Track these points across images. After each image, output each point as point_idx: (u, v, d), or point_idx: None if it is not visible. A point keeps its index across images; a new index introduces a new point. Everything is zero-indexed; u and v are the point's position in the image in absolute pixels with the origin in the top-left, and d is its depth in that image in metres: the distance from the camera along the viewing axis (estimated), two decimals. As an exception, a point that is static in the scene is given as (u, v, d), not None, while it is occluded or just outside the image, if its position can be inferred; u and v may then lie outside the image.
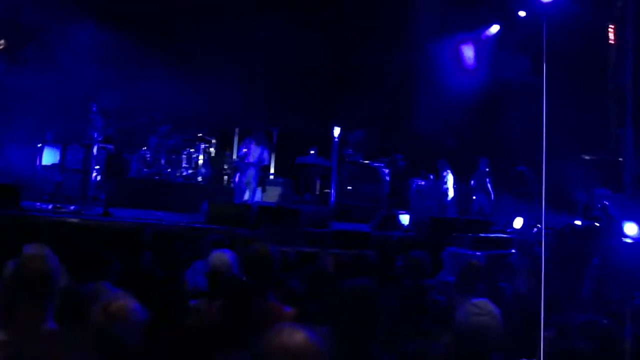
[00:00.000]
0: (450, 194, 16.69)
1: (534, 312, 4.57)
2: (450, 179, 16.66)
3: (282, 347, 2.02)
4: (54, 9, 14.33)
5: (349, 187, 15.47)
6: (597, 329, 3.72)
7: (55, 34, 14.51)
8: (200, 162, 15.46)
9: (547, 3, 7.82)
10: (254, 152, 14.58)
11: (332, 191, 14.52)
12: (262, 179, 15.50)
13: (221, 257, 4.93)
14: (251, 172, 14.46)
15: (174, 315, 4.01)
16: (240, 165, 14.57)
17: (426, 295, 5.52)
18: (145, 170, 14.86)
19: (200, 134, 15.94)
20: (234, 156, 16.21)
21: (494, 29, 20.71)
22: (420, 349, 3.97)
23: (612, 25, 20.70)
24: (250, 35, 16.66)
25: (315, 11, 17.35)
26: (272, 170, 16.81)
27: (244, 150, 14.60)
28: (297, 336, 2.06)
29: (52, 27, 14.50)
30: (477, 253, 10.20)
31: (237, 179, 14.97)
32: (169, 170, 15.05)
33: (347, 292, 3.74)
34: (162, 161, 15.02)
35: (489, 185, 16.78)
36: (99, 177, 12.64)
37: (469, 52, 20.67)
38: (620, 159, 19.63)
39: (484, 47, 20.73)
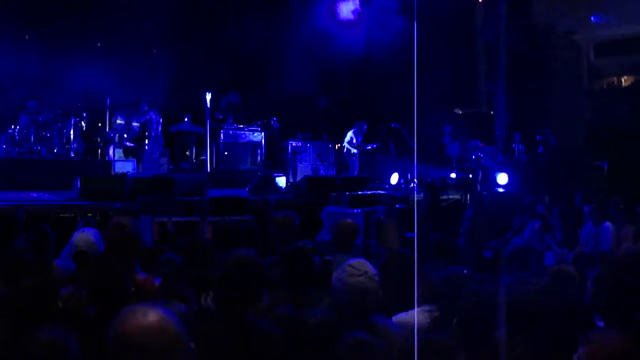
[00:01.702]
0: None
1: (407, 266, 4.66)
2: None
3: (136, 328, 1.94)
4: None
5: (225, 153, 15.29)
6: (457, 279, 3.85)
7: None
8: (72, 137, 14.88)
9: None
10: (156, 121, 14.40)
11: (207, 157, 14.37)
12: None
13: (84, 237, 4.77)
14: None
15: (42, 304, 3.84)
16: (153, 137, 14.33)
17: (305, 258, 5.51)
18: (14, 149, 14.23)
19: (68, 108, 15.28)
20: (107, 129, 15.71)
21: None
22: (297, 314, 3.97)
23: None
24: (118, 6, 16.09)
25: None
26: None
27: (149, 119, 14.36)
28: (151, 316, 1.97)
29: None
30: (355, 210, 10.32)
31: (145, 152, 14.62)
32: (39, 147, 14.45)
33: (230, 263, 3.67)
34: (32, 139, 14.41)
35: (392, 148, 16.81)
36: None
37: (346, 8, 20.49)
38: (491, 112, 20.40)
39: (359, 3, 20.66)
